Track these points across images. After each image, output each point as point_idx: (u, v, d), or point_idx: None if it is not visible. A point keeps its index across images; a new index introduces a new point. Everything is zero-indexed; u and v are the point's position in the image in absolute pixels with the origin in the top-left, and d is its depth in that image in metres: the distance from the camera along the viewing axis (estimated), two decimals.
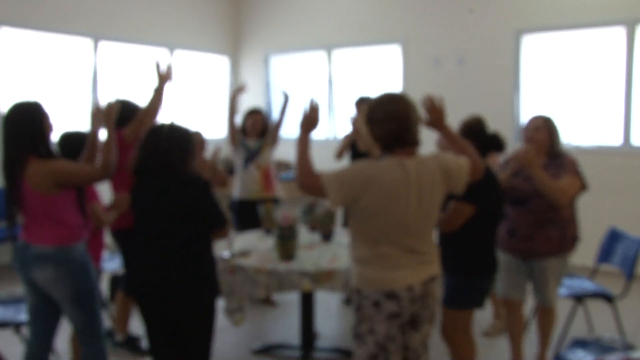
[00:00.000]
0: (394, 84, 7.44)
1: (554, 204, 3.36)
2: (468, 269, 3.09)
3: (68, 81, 6.67)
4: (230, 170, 5.39)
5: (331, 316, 4.94)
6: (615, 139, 6.16)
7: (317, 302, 4.50)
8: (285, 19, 8.37)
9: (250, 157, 5.15)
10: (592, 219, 5.82)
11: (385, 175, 2.41)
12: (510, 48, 6.60)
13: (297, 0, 8.24)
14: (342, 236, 4.20)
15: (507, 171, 3.54)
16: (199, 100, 8.32)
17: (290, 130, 8.10)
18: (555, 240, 3.46)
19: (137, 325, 4.44)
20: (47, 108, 3.01)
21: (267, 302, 5.18)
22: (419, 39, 7.23)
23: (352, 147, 5.51)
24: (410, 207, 2.44)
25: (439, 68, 7.08)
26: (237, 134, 5.17)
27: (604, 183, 6.09)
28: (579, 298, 3.99)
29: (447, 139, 2.78)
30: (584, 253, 5.04)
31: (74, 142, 3.40)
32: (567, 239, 3.51)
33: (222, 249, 3.73)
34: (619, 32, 6.03)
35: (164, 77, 3.90)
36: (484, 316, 4.57)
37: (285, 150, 7.98)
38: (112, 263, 4.76)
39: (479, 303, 3.14)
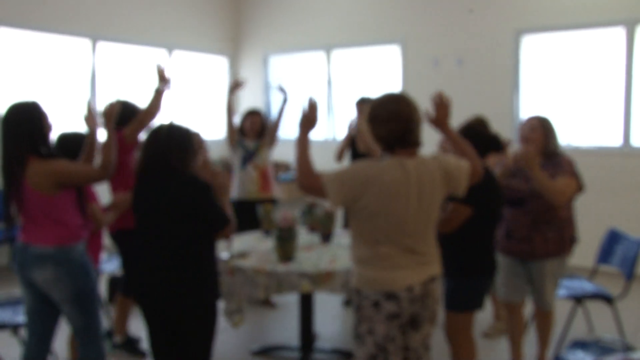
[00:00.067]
0: (393, 85, 7.43)
1: (551, 204, 3.36)
2: (467, 269, 3.08)
3: (66, 82, 6.66)
4: (228, 170, 5.38)
5: (330, 317, 4.93)
6: (615, 140, 6.16)
7: (317, 303, 4.49)
8: (284, 19, 8.36)
9: (248, 157, 5.14)
10: (592, 219, 5.82)
11: (386, 175, 2.40)
12: (510, 48, 6.60)
13: (296, 0, 8.23)
14: (341, 237, 4.19)
15: (501, 170, 3.52)
16: (198, 101, 8.31)
17: (289, 130, 8.11)
18: (552, 241, 3.45)
19: (136, 327, 4.43)
20: (46, 108, 3.00)
21: (266, 303, 5.17)
22: (418, 39, 7.23)
23: (352, 147, 5.50)
24: (410, 208, 2.44)
25: (438, 68, 7.08)
26: (235, 134, 5.16)
27: (604, 184, 6.08)
28: (578, 299, 3.98)
29: (449, 140, 2.78)
30: (584, 254, 5.04)
31: (71, 143, 3.39)
32: (565, 240, 3.50)
33: (221, 250, 3.72)
34: (618, 33, 6.03)
35: (164, 78, 3.90)
36: (484, 317, 4.56)
37: (284, 151, 7.98)
38: (110, 264, 4.75)
39: (478, 304, 3.13)
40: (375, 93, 2.61)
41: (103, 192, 4.07)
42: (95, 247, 3.53)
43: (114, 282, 5.00)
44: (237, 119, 5.34)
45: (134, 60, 7.39)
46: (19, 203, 2.90)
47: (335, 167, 2.69)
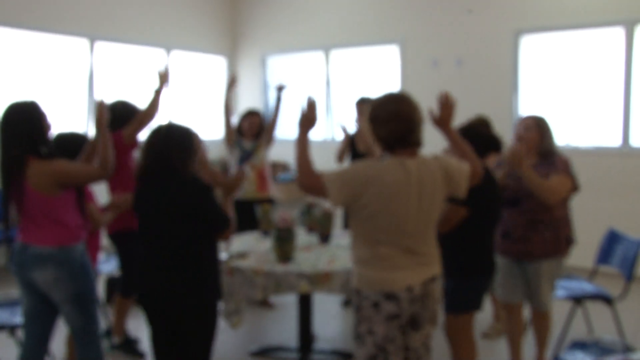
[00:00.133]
0: (392, 85, 7.42)
1: (545, 204, 3.35)
2: (466, 270, 3.07)
3: (64, 82, 6.64)
4: (225, 170, 5.37)
5: (329, 318, 4.92)
6: (614, 140, 6.15)
7: (315, 304, 4.48)
8: (282, 19, 8.35)
9: (245, 157, 5.13)
10: (591, 220, 5.81)
11: (386, 175, 2.40)
12: (509, 48, 6.59)
13: (294, 0, 8.22)
14: (340, 238, 4.18)
15: (502, 171, 3.52)
16: (196, 101, 8.29)
17: (287, 130, 8.10)
18: (548, 242, 3.44)
19: (135, 328, 4.42)
20: (44, 108, 2.99)
21: (265, 304, 5.15)
22: (417, 39, 7.22)
23: (352, 148, 5.49)
24: (410, 208, 2.44)
25: (437, 69, 7.07)
26: (233, 134, 5.15)
27: (603, 184, 6.08)
28: (578, 299, 3.97)
29: (450, 140, 2.78)
30: (583, 254, 5.03)
31: (68, 143, 3.37)
32: (561, 241, 3.48)
33: (220, 251, 3.70)
34: (617, 33, 6.02)
35: (163, 79, 3.91)
36: (483, 318, 4.55)
37: (283, 151, 7.98)
38: (108, 265, 4.74)
39: (477, 305, 3.12)
40: (374, 93, 2.60)
41: (101, 193, 4.07)
42: (93, 248, 3.52)
43: (111, 282, 4.99)
44: (235, 119, 5.33)
45: (132, 60, 7.38)
46: (19, 204, 2.89)
47: (334, 167, 2.68)
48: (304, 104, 2.63)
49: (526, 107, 6.52)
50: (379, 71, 7.63)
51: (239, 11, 8.78)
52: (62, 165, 2.95)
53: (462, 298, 3.10)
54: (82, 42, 6.81)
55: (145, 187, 2.80)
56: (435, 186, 2.49)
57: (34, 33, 6.34)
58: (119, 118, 3.83)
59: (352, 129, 5.47)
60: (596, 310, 4.43)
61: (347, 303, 5.13)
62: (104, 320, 4.35)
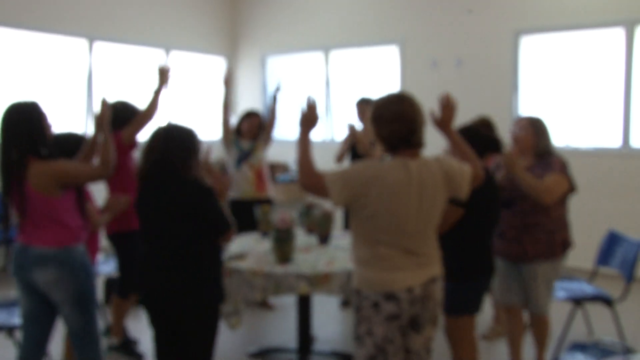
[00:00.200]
0: (392, 85, 7.41)
1: (540, 204, 3.33)
2: (465, 272, 3.05)
3: (63, 82, 6.63)
4: (224, 171, 5.36)
5: (328, 319, 4.91)
6: (614, 141, 6.14)
7: (314, 305, 4.46)
8: (282, 19, 8.34)
9: (244, 157, 5.11)
10: (591, 221, 5.81)
11: (388, 176, 2.40)
12: (509, 49, 6.58)
13: (294, 1, 8.21)
14: (339, 239, 4.17)
15: (501, 173, 3.51)
16: (195, 102, 8.28)
17: (286, 131, 8.10)
18: (542, 243, 3.42)
19: (136, 329, 4.41)
20: (44, 108, 2.99)
21: (264, 305, 5.14)
22: (417, 39, 7.21)
23: (352, 149, 5.48)
24: (411, 208, 2.43)
25: (437, 69, 7.06)
26: (230, 134, 5.13)
27: (603, 185, 6.07)
28: (578, 301, 3.96)
29: (450, 142, 2.78)
30: (583, 256, 5.03)
31: (65, 144, 3.36)
32: (556, 243, 3.45)
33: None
34: (618, 33, 6.01)
35: (163, 76, 3.90)
36: (482, 319, 4.54)
37: (282, 151, 7.97)
38: (106, 266, 4.73)
39: (477, 307, 3.11)
40: (373, 94, 2.61)
41: (100, 193, 4.06)
42: (91, 249, 3.51)
43: (110, 283, 4.98)
44: (234, 120, 5.32)
45: (131, 60, 7.36)
46: (20, 205, 2.88)
47: (334, 168, 2.67)
48: (303, 104, 2.62)
49: (526, 108, 6.51)
50: (378, 72, 7.62)
51: (238, 11, 8.77)
52: (63, 165, 2.94)
53: (461, 299, 3.09)
54: (81, 42, 6.80)
55: (147, 187, 2.81)
56: (436, 188, 2.49)
57: (33, 33, 6.33)
58: (118, 118, 3.82)
59: (359, 126, 5.46)
60: (596, 311, 4.42)
61: (345, 304, 5.13)
62: (102, 320, 4.34)
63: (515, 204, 3.43)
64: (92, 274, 3.07)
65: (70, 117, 6.57)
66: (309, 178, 2.51)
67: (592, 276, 4.29)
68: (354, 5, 7.73)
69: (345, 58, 7.91)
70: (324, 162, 5.49)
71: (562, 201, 3.48)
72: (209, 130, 8.07)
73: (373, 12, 7.56)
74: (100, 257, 4.27)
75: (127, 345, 4.15)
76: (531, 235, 3.42)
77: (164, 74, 3.97)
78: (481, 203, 2.94)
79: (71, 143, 3.36)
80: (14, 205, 2.91)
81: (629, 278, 3.83)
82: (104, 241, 3.97)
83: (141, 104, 4.01)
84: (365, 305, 2.49)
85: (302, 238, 4.17)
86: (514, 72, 6.58)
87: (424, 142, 2.51)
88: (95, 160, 3.28)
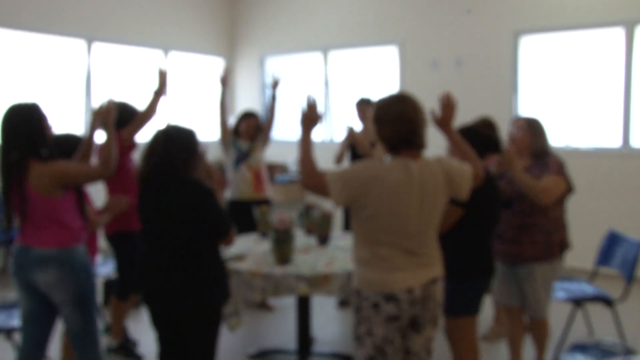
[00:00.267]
0: (391, 86, 7.40)
1: (537, 205, 3.32)
2: (465, 272, 3.04)
3: (61, 83, 6.62)
4: (222, 171, 5.35)
5: (328, 321, 4.90)
6: (614, 141, 6.13)
7: (314, 306, 4.45)
8: (281, 19, 8.33)
9: (242, 157, 5.10)
10: (591, 221, 5.80)
11: (388, 176, 2.41)
12: (509, 49, 6.57)
13: (293, 1, 8.20)
14: (339, 240, 4.16)
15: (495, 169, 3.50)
16: (194, 102, 8.26)
17: (286, 132, 8.10)
18: (539, 245, 3.40)
19: (135, 330, 4.40)
20: (45, 109, 2.99)
21: (263, 306, 5.13)
22: (416, 40, 7.20)
23: (351, 150, 5.48)
24: (411, 209, 2.43)
25: (436, 69, 7.05)
26: (228, 134, 5.12)
27: (603, 185, 6.06)
28: (578, 301, 3.95)
29: (450, 141, 2.78)
30: (583, 256, 5.02)
31: (63, 144, 3.35)
32: (554, 244, 3.43)
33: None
34: (617, 33, 6.00)
35: (164, 82, 3.91)
36: (483, 320, 4.53)
37: (281, 152, 7.96)
38: (105, 267, 4.72)
39: (476, 308, 3.10)
40: (373, 94, 2.60)
41: (98, 194, 4.05)
42: (90, 250, 3.50)
43: (108, 285, 4.96)
44: (231, 120, 5.31)
45: (130, 61, 7.35)
46: (21, 206, 2.88)
47: (333, 169, 2.66)
48: (304, 104, 2.62)
49: (526, 108, 6.51)
50: (378, 72, 7.61)
51: (237, 12, 8.76)
52: (63, 166, 2.95)
53: (462, 300, 3.07)
54: (80, 43, 6.78)
55: (148, 188, 2.81)
56: (437, 188, 2.49)
57: (31, 34, 6.31)
58: (118, 119, 3.81)
59: (358, 128, 5.45)
60: (596, 312, 4.41)
61: (342, 304, 5.12)
62: (102, 321, 4.33)
63: (514, 204, 3.42)
64: (92, 275, 3.07)
65: (68, 117, 6.56)
66: (311, 177, 2.51)
67: (592, 276, 4.28)
68: (353, 5, 7.72)
69: (344, 58, 7.90)
70: (323, 162, 5.47)
71: (560, 202, 3.46)
72: (207, 131, 8.06)
73: (372, 13, 7.55)
74: (99, 258, 4.25)
75: (126, 347, 4.14)
76: (529, 236, 3.40)
77: (163, 78, 3.96)
78: (481, 203, 2.93)
79: (70, 144, 3.36)
80: (14, 207, 2.90)
81: (629, 278, 3.82)
82: (102, 242, 3.96)
83: (140, 105, 4.00)
84: (365, 305, 2.49)
85: (301, 239, 4.16)
86: (514, 72, 6.57)
87: (426, 143, 2.52)
88: (94, 161, 3.27)
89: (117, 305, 4.09)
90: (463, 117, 3.44)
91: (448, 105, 2.72)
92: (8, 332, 3.52)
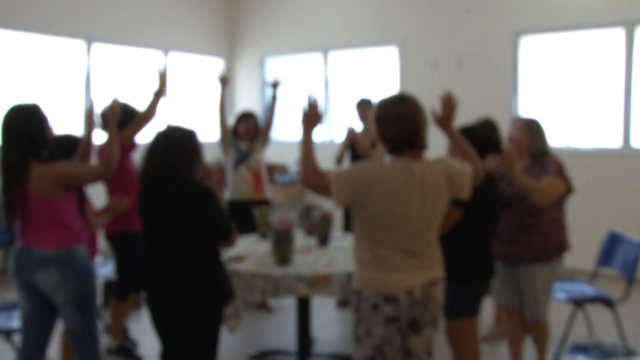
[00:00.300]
0: (391, 86, 7.39)
1: (536, 206, 3.31)
2: (465, 273, 3.04)
3: (60, 84, 6.61)
4: (222, 172, 5.35)
5: (328, 321, 4.89)
6: (614, 141, 6.12)
7: (314, 307, 4.44)
8: (281, 20, 8.32)
9: (242, 158, 5.10)
10: (592, 221, 5.80)
11: (389, 176, 2.41)
12: (509, 49, 6.56)
13: (293, 1, 8.19)
14: (339, 240, 4.15)
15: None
16: (193, 103, 8.25)
17: (285, 132, 8.09)
18: (538, 246, 3.39)
19: (135, 330, 4.39)
20: (45, 110, 2.99)
21: (263, 307, 5.13)
22: (416, 40, 7.19)
23: (351, 150, 5.47)
24: (412, 209, 2.43)
25: (436, 70, 7.04)
26: (228, 135, 5.12)
27: (604, 185, 6.06)
28: (578, 302, 3.94)
29: (452, 141, 2.79)
30: (584, 256, 5.01)
31: (63, 145, 3.35)
32: (552, 245, 3.41)
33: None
34: (618, 33, 6.00)
35: (164, 82, 3.91)
36: (483, 321, 4.52)
37: (281, 153, 7.96)
38: (105, 269, 4.71)
39: (476, 309, 3.09)
40: (373, 95, 2.60)
41: (97, 195, 4.04)
42: (90, 251, 3.49)
43: (108, 286, 4.96)
44: (230, 121, 5.30)
45: (130, 61, 7.34)
46: (22, 207, 2.87)
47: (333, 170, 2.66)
48: (305, 103, 2.62)
49: (526, 108, 6.50)
50: (378, 73, 7.60)
51: (237, 12, 8.75)
52: (64, 166, 2.95)
53: (462, 300, 3.07)
54: (79, 44, 6.77)
55: (149, 189, 2.81)
56: (439, 189, 2.49)
57: (31, 34, 6.31)
58: (118, 120, 3.81)
59: (358, 128, 5.45)
60: (597, 313, 4.40)
61: (342, 304, 5.11)
62: (101, 321, 4.32)
63: (512, 204, 3.41)
64: (93, 275, 3.07)
65: (68, 118, 6.55)
66: (312, 176, 2.52)
67: (592, 277, 4.27)
68: (353, 5, 7.71)
69: (344, 59, 7.89)
70: (323, 163, 5.43)
71: (558, 203, 3.45)
72: (207, 132, 8.06)
73: (372, 13, 7.54)
74: (98, 259, 4.25)
75: (126, 348, 4.13)
76: (527, 237, 3.39)
77: (163, 78, 3.96)
78: (481, 203, 2.92)
79: (69, 144, 3.35)
80: (15, 208, 2.90)
81: (630, 279, 3.81)
82: (102, 243, 3.96)
83: (140, 106, 3.99)
84: (365, 306, 2.49)
85: (301, 239, 4.15)
86: (514, 73, 6.56)
87: (427, 144, 2.51)
88: (94, 161, 3.27)
89: (116, 306, 4.09)
90: (463, 117, 3.43)
91: (449, 105, 2.72)
92: (7, 334, 3.51)
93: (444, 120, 2.74)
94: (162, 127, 2.87)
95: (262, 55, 8.58)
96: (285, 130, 8.18)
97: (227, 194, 5.17)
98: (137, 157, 3.54)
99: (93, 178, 3.06)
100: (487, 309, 4.55)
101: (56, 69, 6.57)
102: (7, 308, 3.75)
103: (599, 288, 4.11)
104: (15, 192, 2.87)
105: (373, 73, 7.64)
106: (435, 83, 6.85)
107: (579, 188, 3.62)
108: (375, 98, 2.64)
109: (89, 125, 3.22)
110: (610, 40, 6.06)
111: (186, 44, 8.09)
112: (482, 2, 6.71)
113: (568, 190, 3.43)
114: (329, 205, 2.65)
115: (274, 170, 7.86)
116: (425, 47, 7.13)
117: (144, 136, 3.85)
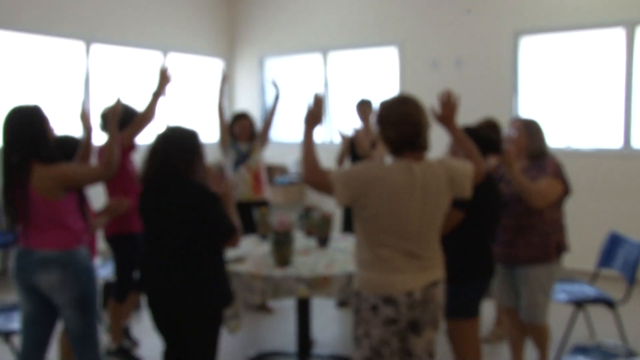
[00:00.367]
0: (391, 87, 7.39)
1: (533, 207, 3.30)
2: (465, 274, 3.03)
3: (60, 84, 6.60)
4: (222, 173, 5.34)
5: (328, 323, 4.88)
6: (615, 142, 6.11)
7: (314, 308, 4.43)
8: (280, 21, 8.31)
9: (241, 159, 5.10)
10: (592, 222, 5.79)
11: (390, 177, 2.41)
12: (509, 49, 6.56)
13: (292, 2, 8.18)
14: (338, 241, 4.14)
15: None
16: (193, 104, 8.24)
17: (285, 133, 8.08)
18: (536, 247, 3.37)
19: (136, 331, 4.39)
20: (46, 112, 2.98)
21: (263, 308, 5.12)
22: (416, 40, 7.18)
23: (351, 151, 5.46)
24: (413, 210, 2.43)
25: (436, 70, 7.04)
26: (227, 136, 5.11)
27: (604, 186, 6.05)
28: (579, 303, 3.93)
29: (454, 138, 2.78)
30: (584, 257, 5.00)
31: (63, 146, 3.34)
32: (550, 246, 3.39)
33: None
34: (618, 33, 5.99)
35: (165, 80, 3.90)
36: (483, 322, 4.51)
37: (281, 153, 7.95)
38: (104, 270, 4.70)
39: (476, 310, 3.08)
40: (373, 95, 2.59)
41: (97, 196, 4.03)
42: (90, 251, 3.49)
43: (107, 287, 4.95)
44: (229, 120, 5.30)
45: (129, 62, 7.33)
46: (23, 209, 2.87)
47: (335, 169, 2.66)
48: (310, 100, 2.62)
49: (526, 108, 6.49)
50: (377, 73, 7.59)
51: (236, 13, 8.74)
52: (65, 168, 2.94)
53: (462, 301, 3.06)
54: (78, 45, 6.76)
55: (149, 188, 2.81)
56: (440, 190, 2.49)
57: (30, 35, 6.30)
58: (118, 120, 3.80)
59: (350, 132, 5.44)
60: (598, 314, 4.39)
61: (341, 304, 5.10)
62: (101, 322, 4.32)
63: (510, 205, 3.39)
64: (94, 277, 3.07)
65: (67, 120, 6.54)
66: (314, 174, 2.52)
67: (593, 278, 4.26)
68: (352, 6, 7.70)
69: (344, 59, 7.88)
70: (323, 163, 5.47)
71: (557, 204, 3.43)
72: (206, 133, 8.05)
73: (372, 13, 7.53)
74: (97, 260, 4.24)
75: (125, 350, 4.12)
76: (525, 238, 3.38)
77: (164, 77, 3.95)
78: (481, 203, 2.92)
79: (69, 146, 3.35)
80: (16, 209, 2.89)
81: (631, 280, 3.80)
82: (101, 245, 3.95)
83: (139, 106, 3.98)
84: (364, 307, 2.49)
85: (301, 241, 4.14)
86: (514, 73, 6.56)
87: (429, 145, 2.51)
88: (94, 162, 3.27)
89: (115, 307, 4.08)
90: (463, 117, 3.41)
91: (448, 104, 2.71)
92: (7, 335, 3.50)
93: (446, 118, 2.73)
94: (162, 128, 2.86)
95: (262, 55, 8.57)
96: (285, 131, 8.17)
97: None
98: (137, 158, 3.53)
99: (94, 179, 3.05)
100: (488, 310, 4.55)
101: (55, 70, 6.56)
102: (7, 310, 3.74)
103: (600, 289, 4.11)
104: (16, 194, 2.86)
105: (373, 73, 7.63)
106: (435, 83, 6.83)
107: (580, 189, 3.61)
108: (375, 98, 2.63)
109: (86, 127, 3.22)
110: (610, 40, 6.05)
111: (185, 44, 8.08)
112: (482, 2, 6.70)
113: (566, 191, 3.42)
114: (329, 206, 2.64)
115: (273, 171, 7.85)
116: (425, 47, 7.12)
117: (144, 137, 3.84)
